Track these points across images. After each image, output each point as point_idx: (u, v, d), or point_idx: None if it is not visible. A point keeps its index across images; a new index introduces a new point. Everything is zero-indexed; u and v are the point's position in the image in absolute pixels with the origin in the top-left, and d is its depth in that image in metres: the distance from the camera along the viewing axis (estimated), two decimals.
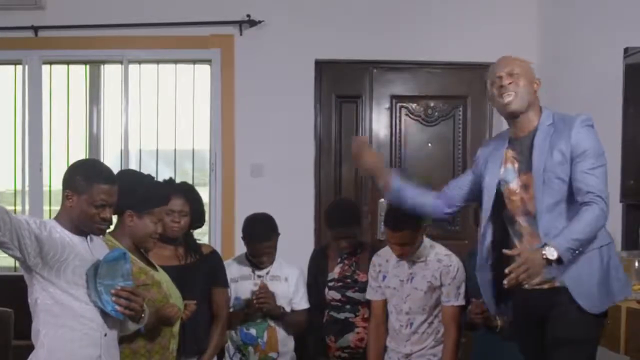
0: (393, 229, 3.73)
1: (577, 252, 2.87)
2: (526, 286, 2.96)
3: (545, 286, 3.00)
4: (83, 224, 2.75)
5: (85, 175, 2.75)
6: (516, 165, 3.06)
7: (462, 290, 3.78)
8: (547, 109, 3.07)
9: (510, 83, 3.01)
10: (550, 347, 3.01)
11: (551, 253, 2.84)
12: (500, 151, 3.13)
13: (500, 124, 5.48)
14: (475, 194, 3.26)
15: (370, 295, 3.94)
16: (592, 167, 2.89)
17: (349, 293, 4.03)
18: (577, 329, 2.95)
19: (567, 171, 2.92)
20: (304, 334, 4.08)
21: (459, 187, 3.34)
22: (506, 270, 2.88)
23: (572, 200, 2.94)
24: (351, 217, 4.04)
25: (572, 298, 2.94)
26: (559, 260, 2.86)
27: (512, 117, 3.07)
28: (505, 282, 2.87)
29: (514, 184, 3.06)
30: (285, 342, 3.97)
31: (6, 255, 2.66)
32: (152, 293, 3.03)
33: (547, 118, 3.02)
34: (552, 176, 2.93)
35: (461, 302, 3.78)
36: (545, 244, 2.87)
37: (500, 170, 3.11)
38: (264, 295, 3.82)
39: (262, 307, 3.83)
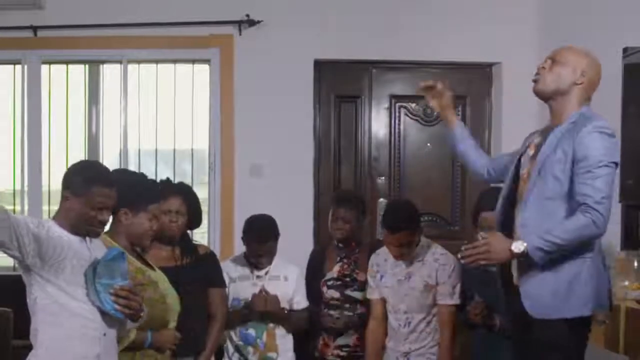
0: (391, 230, 3.75)
1: (550, 254, 2.81)
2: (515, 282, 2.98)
3: None
4: (80, 226, 2.74)
5: (84, 177, 2.75)
6: (532, 152, 3.03)
7: (458, 289, 3.79)
8: (586, 108, 2.97)
9: (543, 67, 3.00)
10: (526, 347, 3.01)
11: (517, 247, 2.81)
12: (533, 138, 3.10)
13: (500, 124, 5.50)
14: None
15: (369, 294, 3.95)
16: (594, 177, 2.79)
17: (348, 292, 4.04)
18: (537, 332, 2.91)
19: (563, 171, 2.86)
20: (303, 332, 4.09)
21: (503, 156, 3.33)
22: (462, 247, 2.91)
23: (568, 202, 2.88)
24: (352, 201, 4.05)
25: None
26: (529, 257, 2.81)
27: (540, 98, 3.04)
28: (458, 255, 2.92)
29: (524, 170, 3.03)
30: (284, 342, 3.97)
31: (5, 255, 2.66)
32: (149, 293, 3.03)
33: (574, 116, 2.94)
34: (548, 172, 2.89)
35: (456, 301, 3.79)
36: (518, 238, 2.85)
37: (522, 155, 3.08)
38: (269, 299, 3.82)
39: (268, 310, 3.83)
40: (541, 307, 2.88)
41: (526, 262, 2.86)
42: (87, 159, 5.38)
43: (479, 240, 2.91)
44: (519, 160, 3.09)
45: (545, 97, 3.02)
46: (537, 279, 2.88)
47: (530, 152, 3.04)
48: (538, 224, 2.88)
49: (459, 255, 2.94)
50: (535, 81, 3.01)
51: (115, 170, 3.32)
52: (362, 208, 4.18)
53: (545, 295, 2.88)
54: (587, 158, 2.81)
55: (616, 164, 2.87)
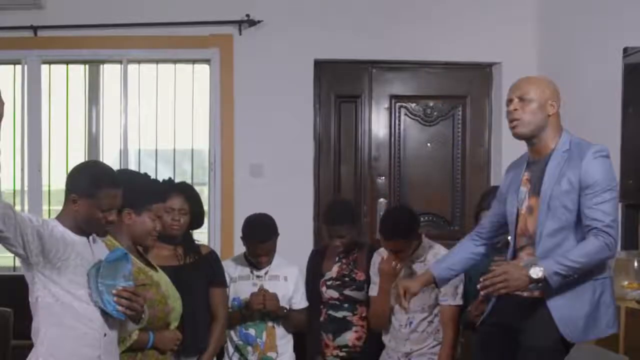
0: (387, 238, 3.77)
1: (567, 278, 2.87)
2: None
3: (525, 294, 3.01)
4: (89, 226, 2.75)
5: (92, 179, 2.75)
6: (528, 187, 3.08)
7: (460, 290, 3.79)
8: (568, 133, 3.04)
9: (515, 110, 3.02)
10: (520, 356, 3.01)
11: (536, 272, 2.86)
12: (519, 175, 3.14)
13: (500, 124, 5.50)
14: (504, 224, 3.25)
15: (373, 292, 3.94)
16: (601, 201, 2.87)
17: (347, 292, 4.04)
18: (545, 343, 2.93)
19: (573, 200, 2.92)
20: (303, 332, 4.09)
21: (491, 222, 3.33)
22: (481, 279, 2.96)
23: (578, 229, 2.94)
24: (346, 217, 4.03)
25: (545, 312, 2.94)
26: (546, 282, 2.87)
27: (523, 139, 3.08)
28: (478, 287, 2.96)
29: (524, 205, 3.08)
30: (284, 341, 3.97)
31: (6, 255, 2.66)
32: (151, 293, 3.03)
33: (564, 144, 3.00)
34: (557, 204, 2.94)
35: (458, 302, 3.79)
36: (534, 263, 2.90)
37: (518, 194, 3.12)
38: (268, 297, 3.82)
39: (267, 309, 3.83)
40: (577, 331, 2.93)
41: (553, 287, 2.90)
42: (87, 159, 5.39)
43: (496, 270, 2.94)
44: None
45: (526, 138, 3.06)
46: (569, 303, 2.93)
47: (525, 188, 3.09)
48: (556, 254, 2.93)
49: (478, 287, 2.98)
50: (513, 127, 3.04)
51: (119, 171, 3.32)
52: (356, 215, 4.18)
53: (579, 319, 2.93)
54: (594, 184, 2.89)
55: (616, 185, 2.96)
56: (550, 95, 3.04)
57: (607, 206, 2.88)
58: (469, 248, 3.36)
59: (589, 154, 2.92)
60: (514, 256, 3.13)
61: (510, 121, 3.05)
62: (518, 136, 3.06)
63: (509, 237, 3.19)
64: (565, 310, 2.93)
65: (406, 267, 3.85)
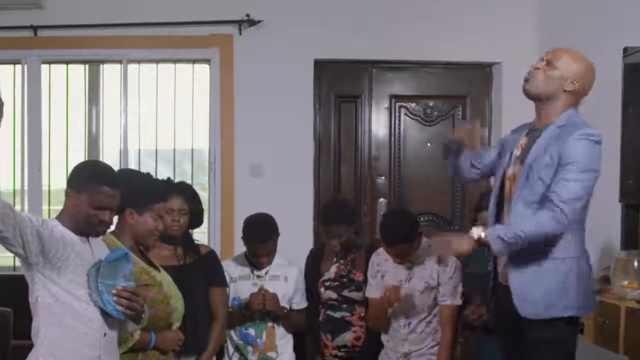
0: (389, 244, 3.78)
1: (511, 245, 2.83)
2: (500, 281, 3.04)
3: None
4: (81, 223, 2.74)
5: (88, 175, 2.75)
6: (519, 152, 3.04)
7: (459, 290, 3.80)
8: (573, 112, 2.98)
9: (537, 68, 2.99)
10: (519, 347, 3.01)
11: (477, 232, 2.86)
12: (519, 138, 3.10)
13: (500, 124, 5.50)
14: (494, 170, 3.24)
15: (369, 293, 3.94)
16: (570, 178, 2.82)
17: (345, 292, 4.04)
18: (531, 330, 2.92)
19: (549, 175, 2.88)
20: (303, 332, 4.09)
21: (489, 153, 3.30)
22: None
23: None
24: (343, 217, 4.03)
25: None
26: (489, 245, 2.85)
27: (528, 98, 3.04)
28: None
29: (510, 171, 3.06)
30: (284, 341, 3.98)
31: (6, 255, 2.66)
32: (153, 293, 3.04)
33: (563, 119, 2.95)
34: (535, 175, 2.91)
35: (458, 302, 3.80)
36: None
37: (511, 157, 3.09)
38: (268, 298, 3.82)
39: (267, 309, 3.84)
40: (533, 307, 2.91)
41: (516, 261, 2.90)
42: (87, 159, 5.39)
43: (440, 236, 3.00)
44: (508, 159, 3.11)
45: (532, 97, 3.03)
46: (529, 279, 2.91)
47: (517, 152, 3.06)
48: None
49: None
50: (525, 80, 3.02)
51: (121, 171, 3.32)
52: (354, 215, 4.18)
53: (537, 296, 2.90)
54: (572, 163, 2.84)
55: (596, 170, 2.87)
56: (576, 73, 2.97)
57: (574, 185, 2.82)
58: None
59: (575, 134, 2.86)
60: (497, 220, 3.08)
61: (527, 73, 3.02)
62: (524, 91, 3.02)
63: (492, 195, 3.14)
64: (523, 287, 2.91)
65: (406, 267, 3.86)
